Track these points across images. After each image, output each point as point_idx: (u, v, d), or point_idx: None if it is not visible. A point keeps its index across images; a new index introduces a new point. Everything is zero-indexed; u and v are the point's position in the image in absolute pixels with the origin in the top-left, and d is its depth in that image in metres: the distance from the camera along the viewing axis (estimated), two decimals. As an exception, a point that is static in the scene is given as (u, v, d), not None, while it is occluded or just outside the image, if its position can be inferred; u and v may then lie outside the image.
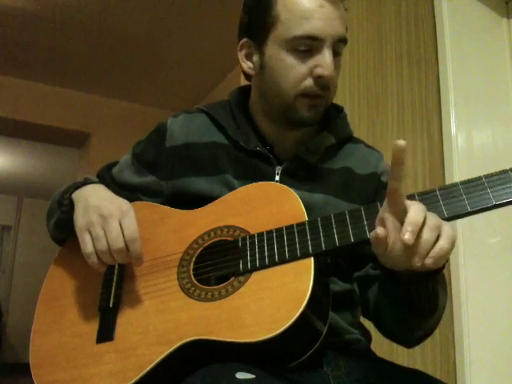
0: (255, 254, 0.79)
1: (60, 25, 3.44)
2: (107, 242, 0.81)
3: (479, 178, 0.73)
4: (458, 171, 2.05)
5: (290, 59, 0.87)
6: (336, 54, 0.88)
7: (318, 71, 0.85)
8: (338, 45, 0.87)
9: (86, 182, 0.93)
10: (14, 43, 3.66)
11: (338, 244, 0.76)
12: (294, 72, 0.87)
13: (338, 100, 2.05)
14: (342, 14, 0.88)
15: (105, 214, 0.83)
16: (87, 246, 0.82)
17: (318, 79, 0.86)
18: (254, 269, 0.78)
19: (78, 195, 0.90)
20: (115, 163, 1.05)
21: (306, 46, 0.85)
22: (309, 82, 0.86)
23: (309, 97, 0.87)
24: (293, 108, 0.89)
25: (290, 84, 0.87)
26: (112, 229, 0.81)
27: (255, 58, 0.93)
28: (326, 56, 0.85)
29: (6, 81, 4.10)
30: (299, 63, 0.86)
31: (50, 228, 0.99)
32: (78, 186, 0.92)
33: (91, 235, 0.83)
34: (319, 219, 0.79)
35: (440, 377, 1.88)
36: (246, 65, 0.95)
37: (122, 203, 0.86)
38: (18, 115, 4.11)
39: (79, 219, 0.85)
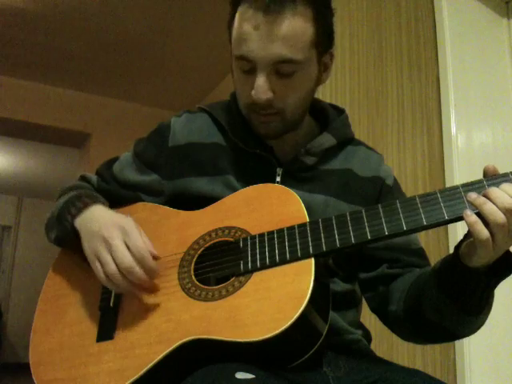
0: (256, 254, 0.79)
1: (60, 25, 3.44)
2: (116, 265, 0.81)
3: (480, 181, 0.73)
4: (458, 171, 2.05)
5: (239, 76, 0.88)
6: (281, 74, 0.84)
7: (252, 93, 0.85)
8: (280, 66, 0.83)
9: (85, 203, 0.90)
10: (14, 43, 3.66)
11: (338, 245, 0.76)
12: (241, 89, 0.88)
13: (337, 100, 2.06)
14: (284, 33, 0.80)
15: (107, 238, 0.82)
16: (99, 273, 0.82)
17: (254, 101, 0.85)
18: (255, 269, 0.78)
19: (79, 223, 0.89)
20: (115, 159, 1.04)
21: (246, 67, 0.85)
22: (250, 100, 0.86)
23: (256, 113, 0.88)
24: (249, 120, 0.91)
25: (242, 99, 0.89)
26: (117, 252, 0.80)
27: None
28: (257, 80, 0.84)
29: (6, 81, 4.10)
30: (245, 81, 0.87)
31: (51, 240, 0.97)
32: (78, 207, 0.90)
33: (100, 262, 0.82)
34: (320, 220, 0.79)
35: (440, 377, 1.89)
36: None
37: (123, 222, 0.84)
38: (18, 115, 4.11)
39: (87, 249, 0.85)
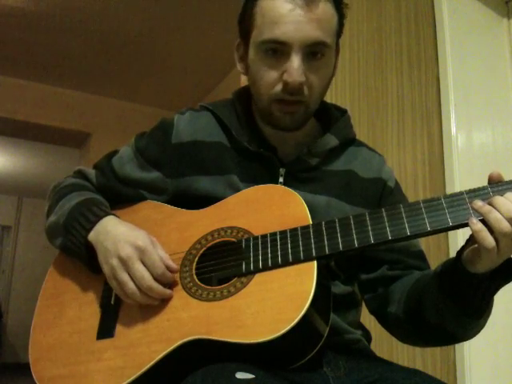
0: (258, 255, 0.79)
1: (60, 25, 3.44)
2: (135, 284, 0.81)
3: (485, 188, 0.73)
4: (458, 171, 2.05)
5: (263, 63, 0.86)
6: (313, 57, 0.85)
7: (285, 77, 0.84)
8: (314, 48, 0.84)
9: (96, 216, 0.89)
10: (14, 43, 3.66)
11: (341, 248, 0.76)
12: (266, 77, 0.87)
13: (337, 100, 2.06)
14: (319, 16, 0.83)
15: (124, 257, 0.82)
16: (118, 292, 0.83)
17: (287, 85, 0.84)
18: (257, 270, 0.78)
19: (92, 238, 0.88)
20: (114, 153, 1.03)
21: (275, 51, 0.84)
22: (279, 87, 0.85)
23: (282, 103, 0.87)
24: (270, 113, 0.89)
25: (264, 88, 0.88)
26: (135, 272, 0.81)
27: (246, 60, 0.93)
28: (292, 62, 0.83)
29: (6, 81, 4.09)
30: (271, 68, 0.86)
31: (55, 245, 0.96)
32: (90, 220, 0.89)
33: (118, 281, 0.83)
34: (323, 223, 0.79)
35: (440, 377, 1.88)
36: (240, 66, 0.95)
37: (137, 238, 0.84)
38: (18, 115, 4.10)
39: (104, 268, 0.85)
